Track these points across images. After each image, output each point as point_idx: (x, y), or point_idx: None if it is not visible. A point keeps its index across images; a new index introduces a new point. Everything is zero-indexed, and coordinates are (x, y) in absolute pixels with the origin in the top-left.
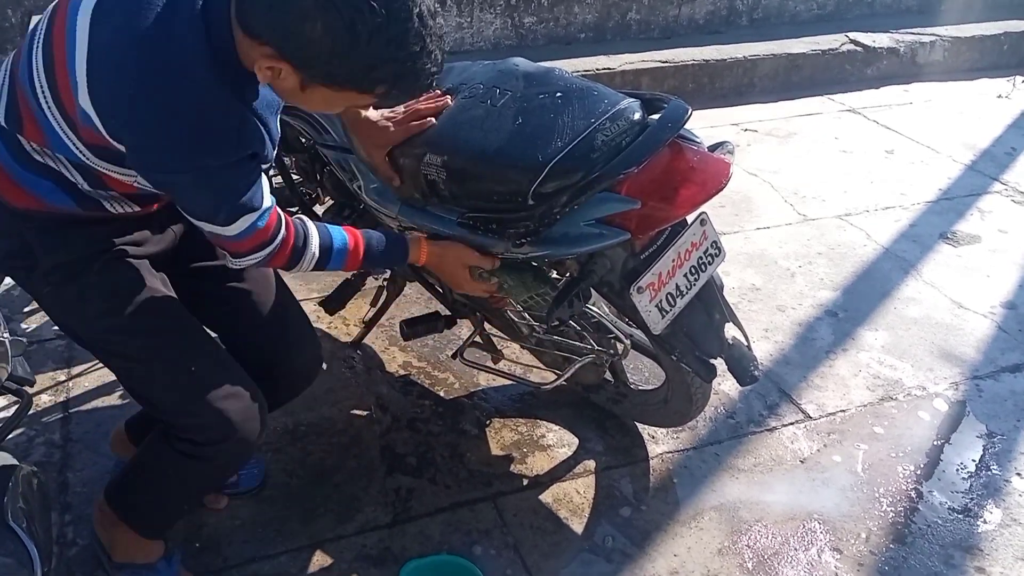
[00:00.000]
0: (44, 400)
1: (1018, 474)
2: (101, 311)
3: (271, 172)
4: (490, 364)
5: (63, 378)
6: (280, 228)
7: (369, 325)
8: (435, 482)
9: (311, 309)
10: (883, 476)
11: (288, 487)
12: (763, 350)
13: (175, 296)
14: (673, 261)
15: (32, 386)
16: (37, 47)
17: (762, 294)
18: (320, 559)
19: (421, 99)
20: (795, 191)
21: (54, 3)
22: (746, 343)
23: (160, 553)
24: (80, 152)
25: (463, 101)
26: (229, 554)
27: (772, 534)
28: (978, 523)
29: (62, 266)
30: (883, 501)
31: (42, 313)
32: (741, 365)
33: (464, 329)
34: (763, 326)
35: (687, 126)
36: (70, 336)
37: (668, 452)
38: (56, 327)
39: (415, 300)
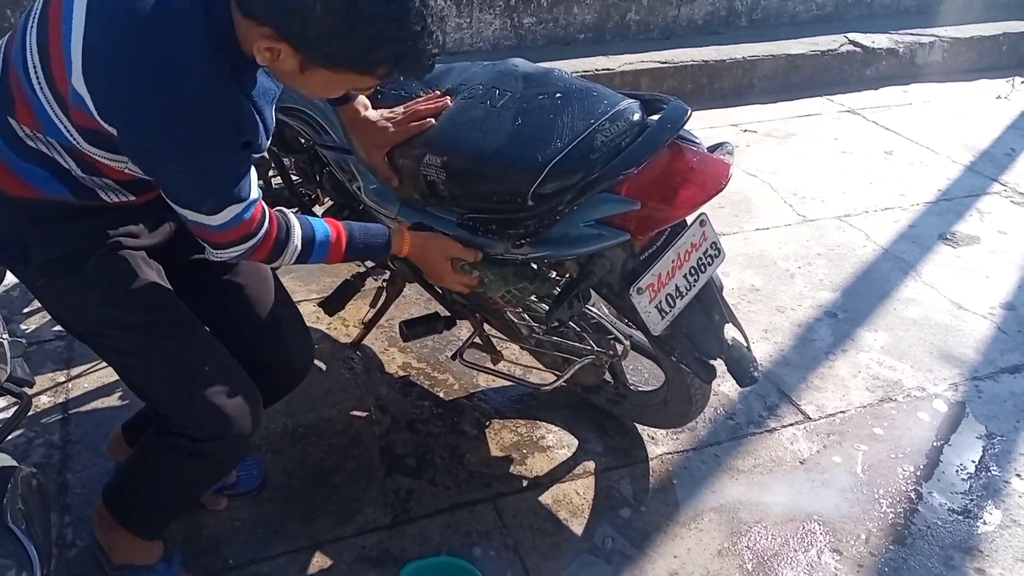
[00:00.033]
0: (43, 401)
1: (1018, 475)
2: (98, 304)
3: (271, 174)
4: (490, 365)
5: (62, 379)
6: (264, 221)
7: (369, 326)
8: (435, 483)
9: (311, 310)
10: (883, 477)
11: (288, 488)
12: (763, 351)
13: (171, 289)
14: (673, 262)
15: (31, 387)
16: (32, 26)
17: (761, 295)
18: (319, 560)
19: (420, 100)
20: (794, 192)
21: None
22: (745, 344)
23: (159, 554)
24: (71, 135)
25: (462, 102)
26: (228, 555)
27: (772, 535)
28: (978, 524)
29: (58, 259)
30: (883, 502)
31: (42, 314)
32: (741, 366)
33: (463, 330)
34: (762, 327)
35: (686, 127)
36: (67, 329)
37: (668, 453)
38: (56, 327)
39: (414, 301)
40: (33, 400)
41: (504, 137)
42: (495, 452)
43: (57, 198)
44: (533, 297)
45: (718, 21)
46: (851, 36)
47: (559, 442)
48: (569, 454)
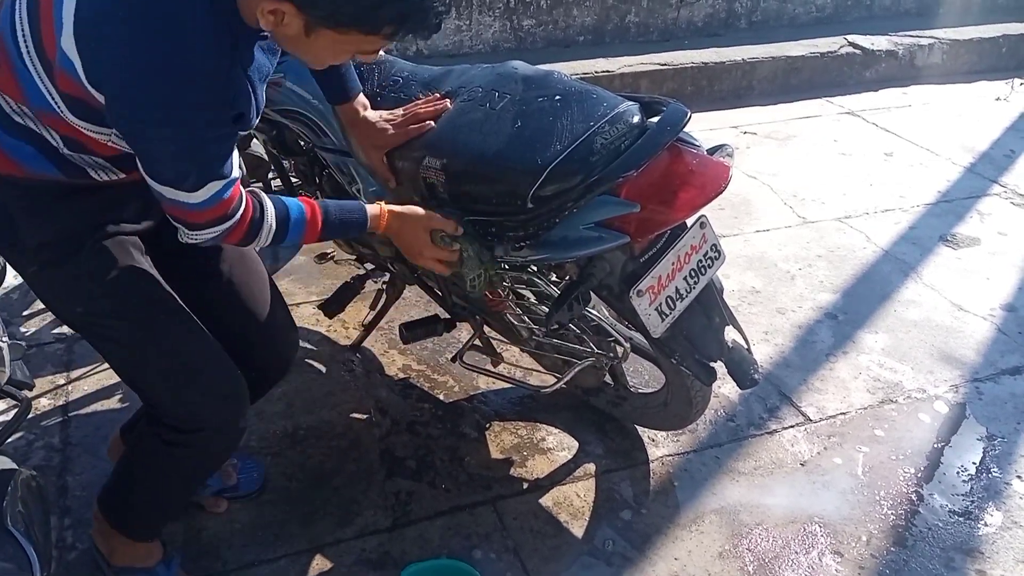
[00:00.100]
0: (43, 404)
1: (1018, 476)
2: (92, 294)
3: (271, 176)
4: (490, 367)
5: (62, 382)
6: (241, 202)
7: (368, 328)
8: (435, 486)
9: (310, 312)
10: (883, 479)
11: (287, 491)
12: (763, 353)
13: (162, 279)
14: (673, 264)
15: (31, 390)
16: None
17: (762, 297)
18: (319, 563)
19: (420, 102)
20: (794, 194)
21: None
22: (746, 346)
23: (159, 557)
24: (56, 104)
25: (462, 104)
26: (228, 558)
27: (773, 537)
28: (979, 526)
29: (49, 245)
30: (884, 504)
31: (41, 317)
32: (741, 368)
33: (463, 332)
34: (763, 329)
35: (686, 129)
36: (59, 317)
37: (668, 455)
38: (56, 330)
39: (414, 303)
40: (33, 403)
41: (503, 139)
42: (495, 454)
43: (45, 176)
44: (505, 283)
45: (718, 23)
46: (851, 38)
47: (559, 444)
48: (569, 456)
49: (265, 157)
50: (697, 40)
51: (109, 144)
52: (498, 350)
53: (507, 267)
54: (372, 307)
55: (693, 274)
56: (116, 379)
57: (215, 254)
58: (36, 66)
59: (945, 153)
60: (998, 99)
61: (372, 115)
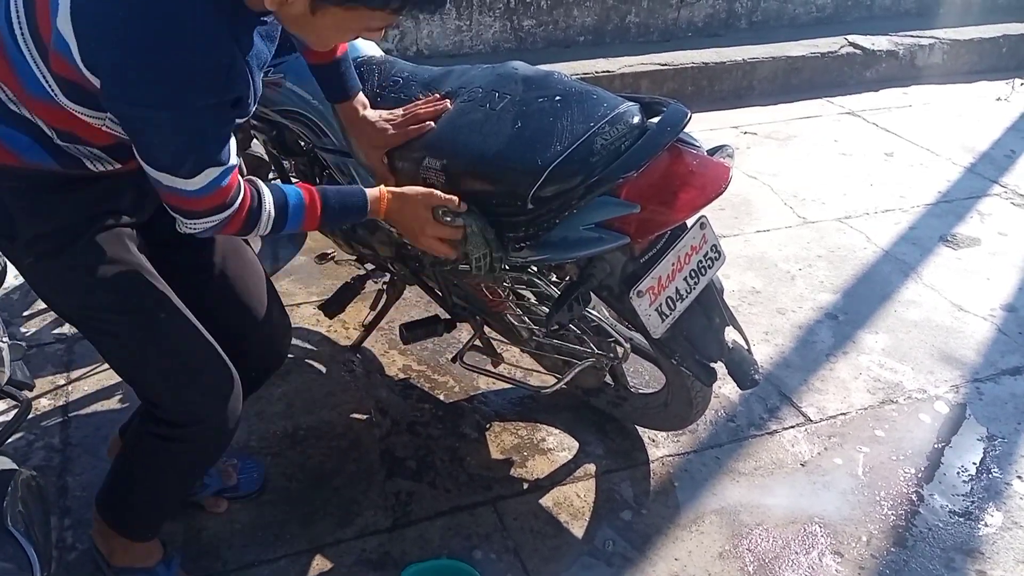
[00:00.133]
0: (43, 404)
1: (1019, 477)
2: (88, 287)
3: (271, 177)
4: (490, 368)
5: (62, 382)
6: (239, 191)
7: (369, 329)
8: (435, 486)
9: (311, 312)
10: (884, 479)
11: (288, 491)
12: (763, 353)
13: (157, 273)
14: (673, 265)
15: (31, 390)
16: None
17: (762, 297)
18: (319, 563)
19: (420, 103)
20: (795, 194)
21: None
22: (746, 346)
23: (159, 557)
24: (50, 88)
25: (462, 105)
26: (228, 558)
27: (773, 538)
28: (979, 526)
29: (45, 237)
30: (884, 504)
31: (42, 317)
32: (741, 369)
33: (464, 333)
34: (763, 329)
35: (686, 130)
36: (55, 311)
37: (668, 456)
38: (56, 330)
39: (415, 304)
40: (33, 403)
41: (504, 140)
42: (495, 455)
43: (41, 166)
44: (505, 283)
45: (718, 23)
46: (851, 38)
47: (560, 445)
48: (570, 457)
49: (265, 157)
50: (697, 40)
51: (103, 129)
52: (498, 350)
53: (504, 254)
54: (372, 307)
55: (693, 275)
56: (116, 379)
57: (209, 246)
58: (31, 49)
59: (945, 153)
60: (998, 99)
61: (372, 114)
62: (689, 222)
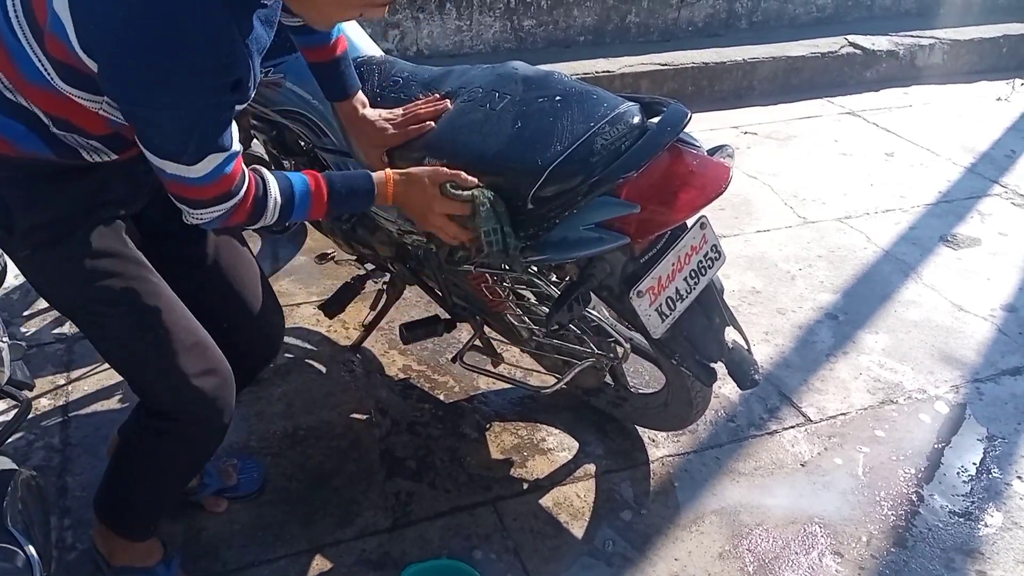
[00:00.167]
0: (43, 404)
1: (1019, 477)
2: (83, 279)
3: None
4: (490, 368)
5: (62, 382)
6: (244, 179)
7: (369, 329)
8: (435, 486)
9: (310, 312)
10: (884, 479)
11: (287, 491)
12: (763, 353)
13: (152, 266)
14: (673, 265)
15: (31, 390)
16: None
17: (762, 297)
18: (319, 563)
19: (419, 103)
20: (795, 194)
21: None
22: (746, 346)
23: (159, 557)
24: (45, 71)
25: (462, 105)
26: (228, 558)
27: (773, 538)
28: (979, 526)
29: (41, 227)
30: (884, 504)
31: (42, 317)
32: (741, 369)
33: (463, 332)
34: (763, 329)
35: (687, 130)
36: (50, 303)
37: (668, 456)
38: (56, 330)
39: (415, 304)
40: (33, 403)
41: (504, 140)
42: (495, 455)
43: (37, 155)
44: (506, 283)
45: (718, 23)
46: (851, 38)
47: (559, 445)
48: (570, 457)
49: (265, 157)
50: (697, 40)
51: (100, 114)
52: (498, 350)
53: (515, 232)
54: (372, 307)
55: (693, 275)
56: (116, 379)
57: (202, 238)
58: (26, 32)
59: (946, 153)
60: (999, 99)
61: (371, 113)
62: (689, 222)
